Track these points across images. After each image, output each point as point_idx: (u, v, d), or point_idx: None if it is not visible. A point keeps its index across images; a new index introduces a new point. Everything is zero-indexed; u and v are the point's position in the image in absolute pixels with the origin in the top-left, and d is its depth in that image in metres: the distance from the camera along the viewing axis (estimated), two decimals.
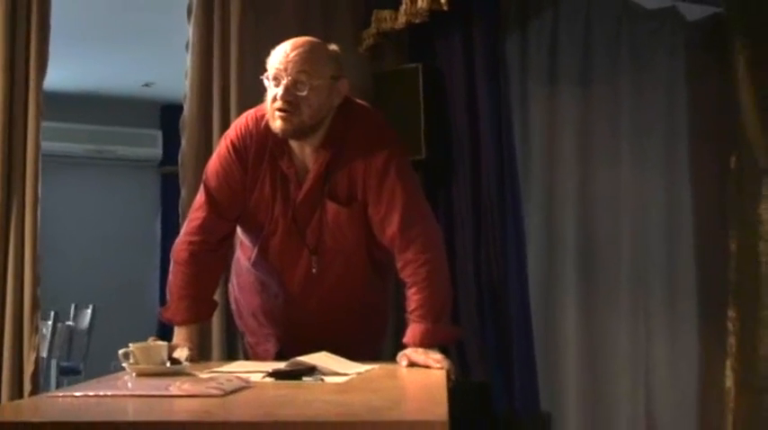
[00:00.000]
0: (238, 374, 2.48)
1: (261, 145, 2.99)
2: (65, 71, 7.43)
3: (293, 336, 3.13)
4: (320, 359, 2.65)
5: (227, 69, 4.16)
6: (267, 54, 2.93)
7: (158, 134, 9.20)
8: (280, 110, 2.85)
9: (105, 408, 2.05)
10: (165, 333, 3.10)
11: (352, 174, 2.97)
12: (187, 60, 4.21)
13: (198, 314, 3.10)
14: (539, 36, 4.97)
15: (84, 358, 7.18)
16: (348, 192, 2.99)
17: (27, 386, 3.85)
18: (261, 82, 2.93)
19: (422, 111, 4.31)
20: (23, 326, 3.87)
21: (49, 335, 6.06)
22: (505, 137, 4.36)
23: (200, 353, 3.21)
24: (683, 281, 5.27)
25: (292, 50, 2.86)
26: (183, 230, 3.14)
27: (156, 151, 9.21)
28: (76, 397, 2.13)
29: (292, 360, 2.63)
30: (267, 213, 3.03)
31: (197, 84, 4.18)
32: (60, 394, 2.24)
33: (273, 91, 2.87)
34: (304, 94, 2.84)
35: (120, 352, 2.59)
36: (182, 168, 4.19)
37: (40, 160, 3.91)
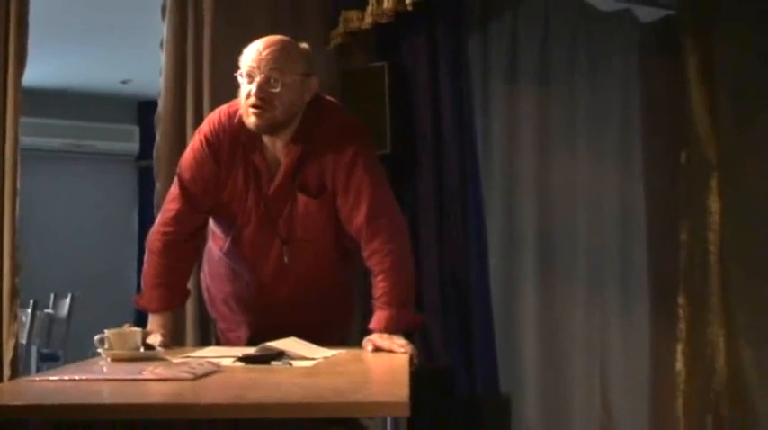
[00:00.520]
0: (209, 359, 2.48)
1: (233, 139, 2.98)
2: (45, 68, 7.38)
3: (264, 323, 3.12)
4: (289, 344, 2.65)
5: (201, 67, 4.13)
6: (239, 52, 2.93)
7: (135, 129, 9.17)
8: (254, 106, 2.85)
9: (80, 392, 2.04)
10: (141, 320, 3.09)
11: (322, 168, 2.98)
12: (161, 58, 4.19)
13: (171, 302, 3.09)
14: (499, 36, 4.97)
15: (64, 345, 7.13)
16: (318, 185, 2.99)
17: (6, 371, 3.81)
18: (233, 79, 2.93)
19: (387, 107, 4.31)
20: (2, 313, 3.83)
21: (28, 323, 6.01)
22: (467, 132, 4.36)
23: (174, 339, 3.19)
24: (636, 269, 5.30)
25: (265, 49, 2.86)
26: (157, 221, 3.13)
27: (134, 146, 9.19)
28: (52, 381, 2.12)
29: (262, 345, 2.63)
30: (240, 205, 3.03)
31: (171, 81, 4.15)
32: (37, 378, 2.23)
33: (247, 88, 2.87)
34: (277, 90, 2.84)
35: (96, 338, 2.57)
36: (156, 162, 4.16)
37: (19, 154, 3.87)
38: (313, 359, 2.55)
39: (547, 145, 5.11)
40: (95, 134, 9.09)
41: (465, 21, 4.53)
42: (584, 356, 5.12)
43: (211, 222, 3.16)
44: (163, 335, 2.87)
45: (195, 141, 3.07)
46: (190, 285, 3.28)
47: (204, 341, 3.96)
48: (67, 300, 7.36)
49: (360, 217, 2.97)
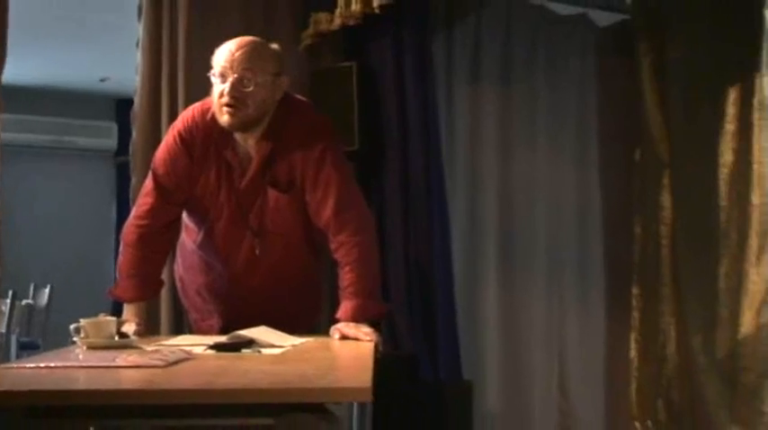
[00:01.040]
0: (181, 347, 2.46)
1: (206, 135, 2.98)
2: (26, 66, 7.30)
3: (235, 312, 3.11)
4: (259, 333, 2.64)
5: (175, 66, 4.10)
6: (212, 52, 2.92)
7: (114, 126, 9.13)
8: (227, 105, 2.85)
9: (55, 378, 2.02)
10: (119, 311, 3.07)
11: (292, 163, 2.98)
12: (137, 57, 4.16)
13: (145, 292, 3.08)
14: (463, 38, 4.97)
15: (43, 334, 7.07)
16: (288, 180, 2.99)
17: None
18: (207, 77, 2.91)
19: (356, 105, 4.30)
20: None
21: (8, 313, 5.96)
22: (432, 129, 4.36)
23: (149, 329, 3.18)
24: (592, 261, 5.33)
25: (237, 49, 2.86)
26: (132, 214, 3.11)
27: (112, 142, 9.14)
28: (29, 368, 2.10)
29: (232, 334, 2.61)
30: (213, 199, 3.02)
31: (146, 79, 4.12)
32: (15, 365, 2.21)
33: (220, 87, 2.87)
34: (249, 89, 2.84)
35: (72, 327, 2.55)
36: (132, 157, 4.14)
37: (0, 150, 3.83)
38: (282, 347, 2.54)
39: (508, 142, 5.12)
40: (75, 131, 9.04)
41: (430, 23, 4.53)
42: (543, 344, 5.15)
43: (185, 216, 3.15)
44: (137, 325, 2.86)
45: (169, 137, 3.06)
46: (164, 276, 3.28)
47: (178, 330, 3.94)
48: (47, 291, 7.31)
49: (327, 211, 2.97)
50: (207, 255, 3.15)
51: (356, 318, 2.90)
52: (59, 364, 2.14)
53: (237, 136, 2.96)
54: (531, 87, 5.19)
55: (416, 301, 4.30)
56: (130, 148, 4.17)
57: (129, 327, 2.76)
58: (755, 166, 4.62)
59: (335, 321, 2.94)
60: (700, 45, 4.90)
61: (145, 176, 3.20)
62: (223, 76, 2.85)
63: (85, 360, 2.24)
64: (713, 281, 4.75)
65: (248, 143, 2.97)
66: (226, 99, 2.83)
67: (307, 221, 3.04)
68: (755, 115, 4.62)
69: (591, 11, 5.35)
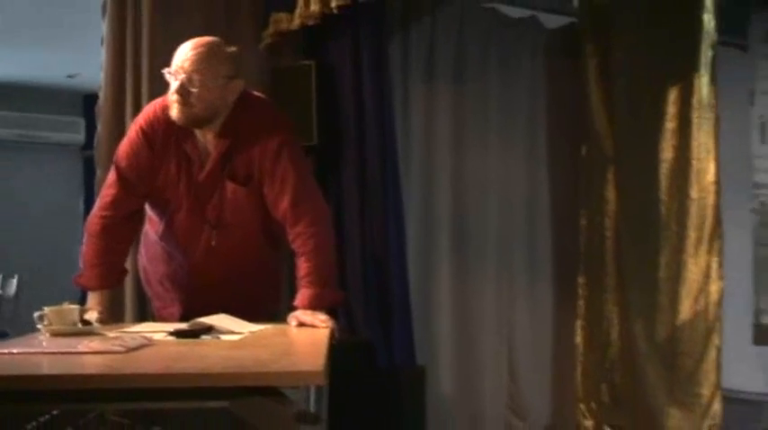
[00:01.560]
0: (142, 334, 2.45)
1: (167, 129, 2.96)
2: None
3: (196, 301, 3.09)
4: (218, 320, 2.63)
5: (139, 62, 4.06)
6: (175, 49, 2.90)
7: (81, 121, 9.03)
8: (175, 102, 2.84)
9: (19, 364, 2.00)
10: (86, 300, 3.04)
11: (250, 158, 2.96)
12: (102, 54, 4.11)
13: (108, 281, 3.06)
14: (418, 39, 4.97)
15: (12, 323, 6.99)
16: (246, 173, 2.98)
17: None
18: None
19: (314, 102, 4.28)
20: None
21: None
22: (388, 126, 4.36)
23: (113, 316, 3.15)
24: (540, 252, 5.36)
25: (191, 50, 2.85)
26: (95, 206, 3.10)
27: (80, 137, 9.05)
28: None
29: (193, 321, 2.60)
30: (173, 191, 3.00)
31: (111, 75, 4.07)
32: None
33: (173, 84, 2.85)
34: (195, 91, 2.83)
35: (36, 314, 2.53)
36: (97, 151, 4.09)
37: None
38: (240, 333, 2.53)
39: (461, 139, 5.14)
40: (43, 125, 8.95)
41: (386, 24, 4.52)
42: (494, 331, 5.17)
43: (148, 207, 3.13)
44: (99, 312, 2.83)
45: (131, 131, 3.04)
46: (129, 266, 3.25)
47: (142, 318, 3.90)
48: (15, 281, 7.23)
49: (284, 203, 2.96)
50: (168, 245, 3.13)
51: (313, 305, 2.89)
52: (22, 351, 2.12)
53: (196, 131, 2.94)
54: (484, 86, 5.20)
55: (372, 291, 4.30)
56: (95, 142, 4.13)
57: (92, 315, 2.73)
58: (694, 162, 4.69)
59: (294, 309, 2.94)
60: (642, 47, 4.95)
61: (109, 169, 3.17)
62: (175, 75, 2.84)
63: (48, 346, 2.22)
64: (654, 270, 4.82)
65: (207, 138, 2.96)
66: (174, 97, 2.83)
67: (265, 213, 3.03)
68: (694, 114, 4.69)
69: (540, 14, 5.38)
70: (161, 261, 3.20)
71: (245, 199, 3.00)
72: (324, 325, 2.80)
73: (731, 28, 5.24)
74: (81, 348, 2.13)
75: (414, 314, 4.47)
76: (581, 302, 5.25)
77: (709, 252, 4.61)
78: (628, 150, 5.04)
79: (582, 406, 5.20)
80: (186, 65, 2.82)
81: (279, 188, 2.95)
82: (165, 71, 2.87)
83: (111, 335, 2.45)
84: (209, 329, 2.51)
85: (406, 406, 4.16)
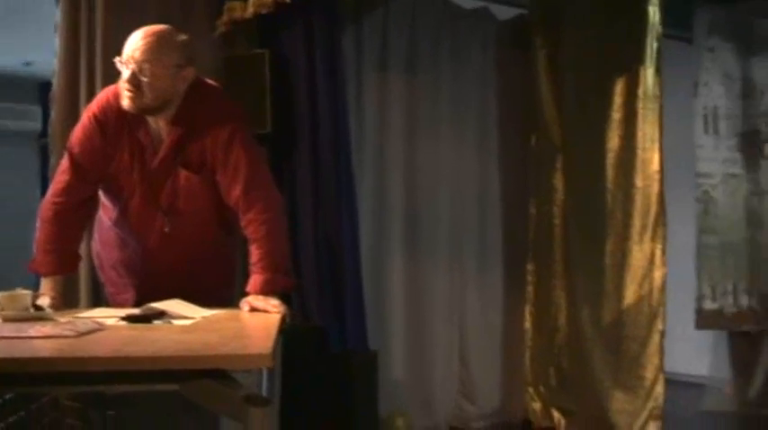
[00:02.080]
0: (94, 318, 2.43)
1: (120, 116, 2.93)
2: None
3: (150, 286, 3.07)
4: (171, 305, 2.62)
5: (93, 48, 4.01)
6: (129, 35, 2.87)
7: (38, 109, 8.88)
8: (126, 90, 2.82)
9: None
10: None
11: (202, 145, 2.95)
12: (56, 41, 4.06)
13: (61, 266, 3.02)
14: (371, 30, 4.98)
15: None
16: (199, 161, 2.97)
17: None
18: None
19: (268, 91, 4.27)
20: None
21: None
22: (341, 116, 4.36)
23: (68, 302, 3.12)
24: (491, 239, 5.41)
25: (141, 39, 2.83)
26: (48, 192, 3.07)
27: (36, 125, 8.89)
28: None
29: (145, 306, 2.59)
30: (126, 178, 2.98)
31: (65, 62, 4.02)
32: None
33: (124, 73, 2.83)
34: (146, 80, 2.80)
35: None
36: (51, 138, 4.05)
37: None
38: (192, 318, 2.52)
39: (414, 129, 5.16)
40: None
41: (339, 14, 4.52)
42: (445, 316, 5.21)
43: (102, 193, 3.11)
44: (52, 298, 2.82)
45: (84, 117, 3.02)
46: (83, 252, 3.22)
47: (96, 304, 3.86)
48: None
49: (237, 190, 2.96)
50: (122, 231, 3.11)
51: (265, 291, 2.89)
52: None
53: (149, 118, 2.93)
54: (436, 77, 5.22)
55: (325, 277, 4.30)
56: (49, 130, 4.08)
57: (44, 300, 2.72)
58: (639, 152, 4.75)
59: (247, 295, 2.94)
60: (590, 39, 5.00)
61: (62, 156, 3.14)
62: (126, 64, 2.82)
63: (0, 331, 2.20)
64: (600, 257, 4.88)
65: (160, 125, 2.94)
66: (125, 86, 2.82)
67: (218, 201, 3.02)
68: (639, 104, 4.75)
69: (491, 5, 5.41)
70: (115, 247, 3.18)
71: (198, 186, 2.99)
72: (276, 310, 2.80)
73: (676, 21, 5.32)
74: (32, 333, 2.11)
75: (367, 300, 4.49)
76: (530, 289, 5.31)
77: (654, 239, 4.67)
78: (575, 140, 5.10)
79: (531, 389, 5.26)
80: (137, 54, 2.80)
81: (231, 175, 2.95)
82: (116, 60, 2.85)
83: (63, 320, 2.43)
84: (160, 314, 2.50)
85: (359, 390, 4.17)
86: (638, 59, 4.73)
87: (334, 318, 4.27)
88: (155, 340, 2.08)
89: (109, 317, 2.52)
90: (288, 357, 3.08)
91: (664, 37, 4.74)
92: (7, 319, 2.45)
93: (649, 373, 4.63)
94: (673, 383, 5.09)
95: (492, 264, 5.40)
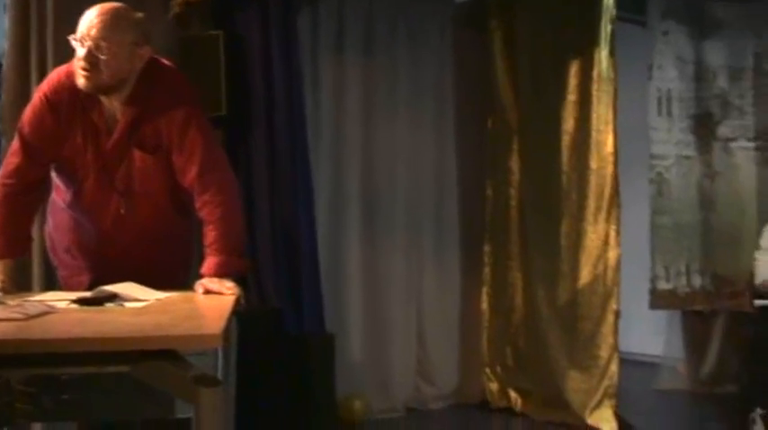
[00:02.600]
0: (45, 302, 2.40)
1: (73, 96, 2.88)
2: None
3: (105, 269, 3.03)
4: (124, 288, 2.59)
5: (44, 29, 3.93)
6: (81, 14, 2.82)
7: None
8: (82, 69, 2.77)
9: None
10: None
11: (157, 127, 2.91)
12: (5, 20, 3.99)
13: (11, 249, 2.96)
14: (328, 12, 4.96)
15: None
16: (154, 142, 2.93)
17: None
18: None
19: (223, 73, 4.23)
20: None
21: None
22: (297, 98, 4.35)
23: (20, 286, 3.07)
24: (448, 221, 5.42)
25: (97, 17, 2.77)
26: None
27: None
28: None
29: (97, 288, 2.56)
30: (80, 160, 2.93)
31: (15, 42, 3.95)
32: None
33: (79, 51, 2.78)
34: (103, 58, 2.76)
35: None
36: (1, 121, 3.98)
37: None
38: (146, 300, 2.50)
39: (371, 111, 5.15)
40: None
41: None
42: (403, 299, 5.22)
43: (55, 175, 3.06)
44: (2, 281, 2.78)
45: (35, 98, 2.96)
46: (36, 235, 3.18)
47: (49, 287, 3.80)
48: None
49: (192, 171, 2.93)
50: (76, 213, 3.06)
51: (219, 273, 2.87)
52: None
53: (103, 98, 2.88)
54: (393, 60, 5.22)
55: (282, 260, 4.30)
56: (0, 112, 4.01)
57: None
58: (594, 134, 4.78)
59: (202, 277, 2.92)
60: (545, 21, 5.02)
61: (13, 138, 3.09)
62: (82, 42, 2.78)
63: None
64: (555, 238, 4.92)
65: (114, 106, 2.89)
66: (81, 64, 2.77)
67: (174, 182, 2.99)
68: (594, 86, 4.78)
69: None
70: (68, 229, 3.13)
71: (153, 167, 2.95)
72: (230, 292, 2.78)
73: (630, 4, 5.36)
74: None
75: (324, 283, 4.50)
76: (487, 270, 5.34)
77: (608, 220, 4.72)
78: (531, 122, 5.13)
79: (488, 370, 5.30)
80: (93, 32, 2.75)
81: (187, 156, 2.92)
82: (71, 38, 2.80)
83: (13, 303, 2.39)
84: (112, 297, 2.47)
85: (316, 373, 4.18)
86: (593, 42, 4.76)
87: (291, 300, 4.28)
88: (105, 322, 2.06)
89: (60, 300, 2.49)
90: (245, 340, 3.06)
91: (618, 20, 4.77)
92: None
93: (604, 352, 4.69)
94: (627, 362, 5.17)
95: (449, 245, 5.42)
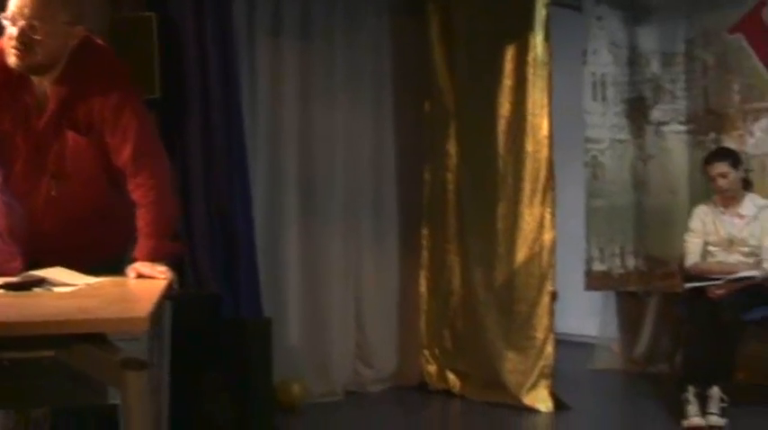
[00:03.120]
0: None
1: (3, 76, 2.81)
2: None
3: (38, 254, 2.97)
4: (53, 272, 2.54)
5: None
6: None
7: None
8: (15, 48, 2.70)
9: None
10: None
11: (90, 107, 2.85)
12: None
13: None
14: None
15: None
16: (86, 122, 2.87)
17: None
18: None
19: (156, 55, 4.16)
20: None
21: None
22: (232, 81, 4.30)
23: None
24: (386, 205, 5.42)
25: None
26: None
27: None
28: None
29: (24, 273, 2.51)
30: (10, 141, 2.86)
31: None
32: None
33: (11, 30, 2.71)
34: (37, 37, 2.69)
35: None
36: None
37: None
38: (75, 285, 2.46)
39: (309, 95, 5.12)
40: None
41: None
42: (341, 283, 5.22)
43: None
44: None
45: None
46: None
47: None
48: None
49: (126, 153, 2.87)
50: (6, 197, 2.99)
51: (152, 257, 2.83)
52: None
53: (34, 78, 2.82)
54: (330, 44, 5.19)
55: (218, 244, 4.26)
56: None
57: None
58: (529, 118, 4.82)
59: (134, 261, 2.88)
60: (482, 5, 5.04)
61: None
62: (14, 21, 2.71)
63: None
64: (492, 221, 4.95)
65: (44, 85, 2.83)
66: (13, 43, 2.70)
67: (108, 163, 2.93)
68: (530, 71, 4.82)
69: None
70: (0, 214, 3.06)
71: (86, 148, 2.89)
72: (162, 276, 2.75)
73: None
74: None
75: (262, 268, 4.47)
76: (425, 253, 5.35)
77: (543, 203, 4.76)
78: (468, 106, 5.14)
79: (426, 352, 5.33)
80: (26, 11, 2.68)
81: (120, 137, 2.86)
82: (2, 17, 2.73)
83: None
84: (41, 281, 2.42)
85: (253, 357, 4.14)
86: (528, 27, 4.79)
87: (228, 285, 4.24)
88: (31, 306, 2.02)
89: None
90: (181, 325, 3.03)
91: (553, 5, 4.82)
92: None
93: (540, 334, 4.74)
94: (563, 343, 5.24)
95: (387, 229, 5.42)
